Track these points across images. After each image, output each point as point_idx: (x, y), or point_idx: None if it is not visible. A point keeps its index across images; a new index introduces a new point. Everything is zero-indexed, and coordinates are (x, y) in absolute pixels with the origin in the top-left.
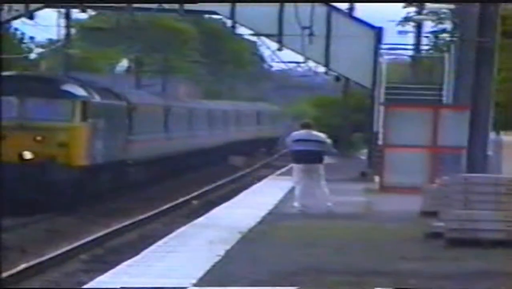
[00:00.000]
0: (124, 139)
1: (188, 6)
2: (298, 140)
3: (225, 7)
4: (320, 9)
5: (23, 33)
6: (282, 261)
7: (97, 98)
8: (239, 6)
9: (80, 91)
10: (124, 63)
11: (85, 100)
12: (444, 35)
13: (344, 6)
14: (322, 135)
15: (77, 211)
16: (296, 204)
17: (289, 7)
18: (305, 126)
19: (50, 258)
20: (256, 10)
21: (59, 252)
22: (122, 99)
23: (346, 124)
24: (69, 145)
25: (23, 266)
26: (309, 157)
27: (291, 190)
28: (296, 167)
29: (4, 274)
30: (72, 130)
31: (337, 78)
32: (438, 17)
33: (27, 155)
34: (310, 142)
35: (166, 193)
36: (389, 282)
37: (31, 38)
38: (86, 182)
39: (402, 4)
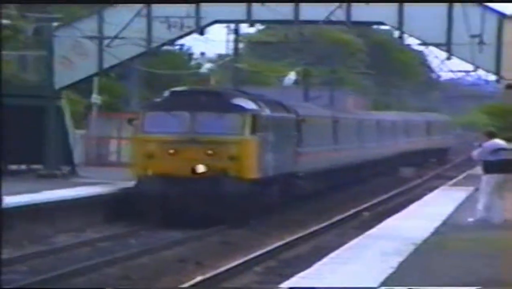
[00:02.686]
0: (293, 151)
1: (355, 18)
2: (498, 150)
3: (392, 17)
4: (490, 16)
5: (188, 48)
6: (457, 274)
7: (266, 111)
8: (407, 15)
9: (250, 105)
10: (291, 76)
11: (255, 114)
12: None
13: None
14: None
15: (249, 223)
16: (479, 215)
17: (458, 16)
18: (492, 134)
19: (225, 270)
20: (424, 19)
21: (233, 264)
22: (291, 111)
23: None
24: (240, 159)
25: (199, 278)
26: (509, 167)
27: (465, 201)
28: (491, 177)
29: (181, 286)
30: (242, 144)
31: (509, 86)
32: None
33: (200, 168)
34: (509, 152)
35: (336, 205)
36: None
37: (202, 53)
38: (257, 195)
39: None
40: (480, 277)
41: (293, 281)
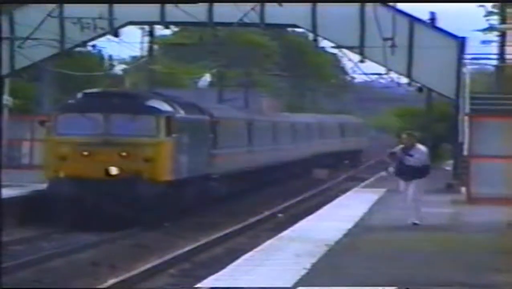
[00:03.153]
0: (208, 153)
1: (269, 20)
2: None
3: (306, 20)
4: (402, 20)
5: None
6: (369, 274)
7: (181, 113)
8: (320, 19)
9: (165, 106)
10: (206, 78)
11: (169, 115)
12: None
13: (426, 16)
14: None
15: (163, 226)
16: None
17: (370, 19)
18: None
19: (139, 273)
20: (337, 22)
21: (147, 266)
22: (205, 113)
23: (429, 135)
24: (154, 160)
25: (112, 281)
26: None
27: (376, 203)
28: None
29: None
30: (157, 145)
31: (420, 89)
32: None
33: (113, 170)
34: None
35: (251, 207)
36: None
37: (110, 56)
38: (172, 197)
39: (483, 13)
40: (387, 280)
41: (206, 282)
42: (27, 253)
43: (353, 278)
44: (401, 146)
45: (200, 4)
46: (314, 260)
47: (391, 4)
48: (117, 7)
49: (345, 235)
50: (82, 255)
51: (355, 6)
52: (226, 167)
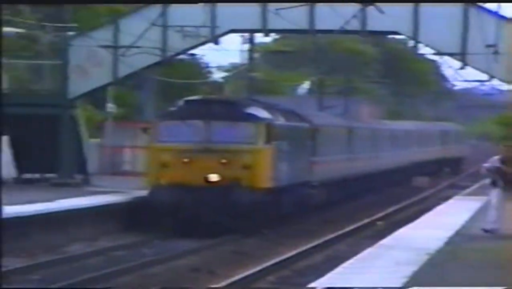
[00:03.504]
0: (307, 160)
1: (370, 27)
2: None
3: (407, 27)
4: (506, 25)
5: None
6: (473, 284)
7: (280, 120)
8: (422, 25)
9: (264, 114)
10: (306, 85)
11: (269, 123)
12: None
13: None
14: None
15: (262, 233)
16: (496, 226)
17: (473, 25)
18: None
19: (238, 280)
20: (439, 29)
21: (247, 273)
22: (305, 121)
23: None
24: (254, 168)
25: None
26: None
27: (479, 211)
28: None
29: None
30: (256, 153)
31: None
32: None
33: (213, 177)
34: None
35: (350, 214)
36: None
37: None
38: (271, 204)
39: None
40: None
41: None
42: (128, 259)
43: (457, 287)
44: (499, 156)
45: (302, 9)
46: (415, 268)
47: (494, 8)
48: (219, 15)
49: (447, 244)
50: (182, 261)
51: (458, 12)
52: (325, 175)
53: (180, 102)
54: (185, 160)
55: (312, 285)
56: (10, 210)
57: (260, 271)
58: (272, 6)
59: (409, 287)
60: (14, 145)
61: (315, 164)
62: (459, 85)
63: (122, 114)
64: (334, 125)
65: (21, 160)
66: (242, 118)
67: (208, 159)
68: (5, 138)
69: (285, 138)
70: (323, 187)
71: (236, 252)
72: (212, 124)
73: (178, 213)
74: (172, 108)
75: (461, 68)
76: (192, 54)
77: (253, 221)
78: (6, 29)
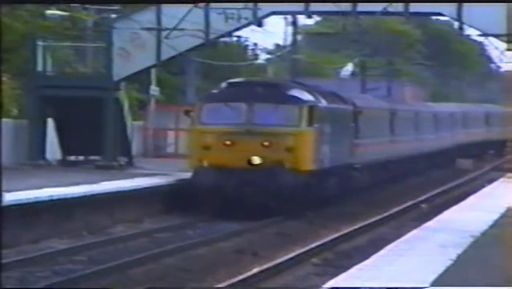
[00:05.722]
0: (350, 143)
1: (413, 8)
2: None
3: (451, 8)
4: None
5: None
6: None
7: (323, 103)
8: (466, 6)
9: (307, 96)
10: (349, 67)
11: (312, 105)
12: None
13: None
14: None
15: (306, 215)
16: None
17: None
18: None
19: (282, 262)
20: (484, 10)
21: (290, 255)
22: (347, 103)
23: None
24: (296, 150)
25: (255, 270)
26: None
27: None
28: None
29: (237, 278)
30: (299, 135)
31: None
32: None
33: (256, 160)
34: None
35: (393, 197)
36: None
37: (254, 44)
38: (314, 187)
39: None
40: None
41: (350, 273)
42: (173, 241)
43: (502, 271)
44: None
45: None
46: (459, 251)
47: None
48: None
49: (491, 226)
50: (226, 244)
51: None
52: (368, 157)
53: (223, 84)
54: (228, 142)
55: (356, 267)
56: (55, 192)
57: (303, 253)
58: None
59: (426, 287)
60: (58, 127)
61: (358, 147)
62: (505, 66)
63: (165, 97)
64: (377, 107)
65: (66, 142)
66: (285, 100)
67: (251, 141)
68: (50, 121)
69: (328, 121)
70: (366, 169)
71: (280, 234)
72: (255, 106)
73: (221, 195)
74: (215, 91)
75: (508, 49)
76: (238, 36)
77: (296, 203)
78: (50, 11)
